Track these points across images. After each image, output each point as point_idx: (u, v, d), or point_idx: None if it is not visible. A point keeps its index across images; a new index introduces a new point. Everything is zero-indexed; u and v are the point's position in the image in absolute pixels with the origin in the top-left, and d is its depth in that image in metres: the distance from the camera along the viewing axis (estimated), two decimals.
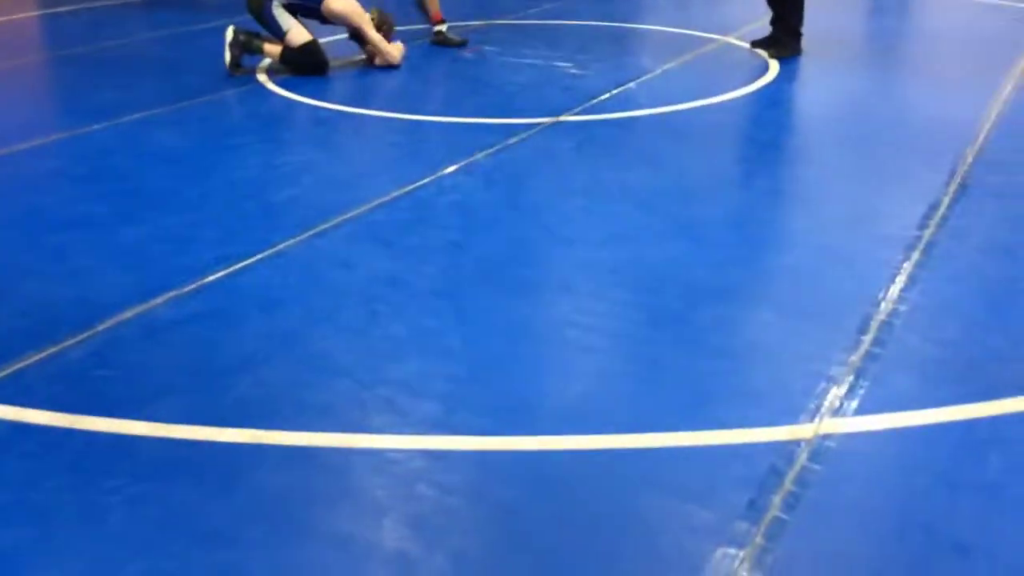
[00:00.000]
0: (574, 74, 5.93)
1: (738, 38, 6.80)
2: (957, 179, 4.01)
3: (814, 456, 2.20)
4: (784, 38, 6.20)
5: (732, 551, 1.89)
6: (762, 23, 6.61)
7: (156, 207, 3.78)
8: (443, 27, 6.75)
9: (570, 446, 2.28)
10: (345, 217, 3.64)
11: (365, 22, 5.92)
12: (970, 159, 4.25)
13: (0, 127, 4.93)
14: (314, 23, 5.92)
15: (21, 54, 7.09)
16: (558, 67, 6.11)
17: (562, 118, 4.94)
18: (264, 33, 5.85)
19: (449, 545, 1.93)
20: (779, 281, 3.21)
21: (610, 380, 2.59)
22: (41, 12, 8.43)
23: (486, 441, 2.30)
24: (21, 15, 8.21)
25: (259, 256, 3.30)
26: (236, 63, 5.79)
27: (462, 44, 6.71)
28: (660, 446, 2.27)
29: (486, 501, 2.08)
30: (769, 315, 2.92)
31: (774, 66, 5.97)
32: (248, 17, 5.95)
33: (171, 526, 1.99)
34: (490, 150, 4.42)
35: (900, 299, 2.96)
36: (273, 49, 5.81)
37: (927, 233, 3.45)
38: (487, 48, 6.71)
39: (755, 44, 6.36)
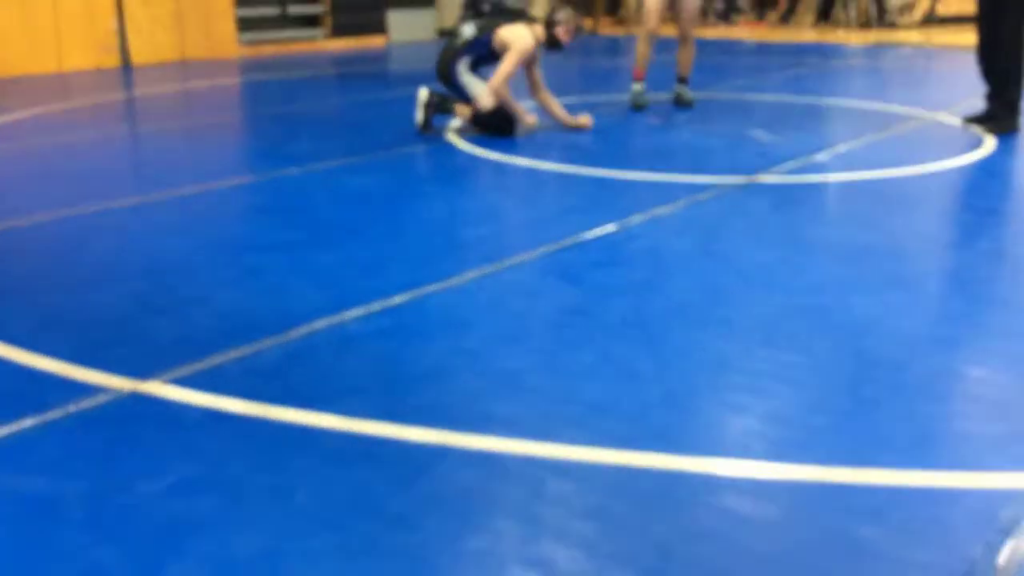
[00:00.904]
0: (767, 141, 5.76)
1: (948, 115, 6.46)
2: None
3: None
4: (1001, 113, 5.81)
5: None
6: (971, 102, 6.26)
7: (349, 238, 3.85)
8: (638, 86, 6.89)
9: (775, 475, 2.07)
10: (532, 255, 3.59)
11: (522, 54, 5.78)
12: None
13: (206, 167, 5.24)
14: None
15: (228, 112, 7.61)
16: (749, 135, 5.96)
17: (756, 178, 4.78)
18: (454, 96, 5.99)
19: (628, 557, 1.76)
20: (1005, 337, 2.89)
21: (818, 413, 2.36)
22: (245, 79, 9.05)
23: (675, 460, 2.12)
24: (227, 80, 8.83)
25: (447, 283, 3.28)
26: (427, 123, 5.94)
27: (641, 107, 6.86)
28: (884, 483, 2.03)
29: (675, 524, 1.89)
30: (997, 366, 2.62)
31: (990, 141, 5.60)
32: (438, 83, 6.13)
33: (356, 507, 1.93)
34: (681, 203, 4.30)
35: None
36: (464, 110, 5.94)
37: None
38: (676, 115, 6.66)
39: (968, 120, 5.98)
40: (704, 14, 13.24)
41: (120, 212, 4.28)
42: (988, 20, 5.67)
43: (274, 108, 7.28)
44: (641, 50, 6.88)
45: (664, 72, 7.62)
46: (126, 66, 9.54)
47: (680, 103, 7.05)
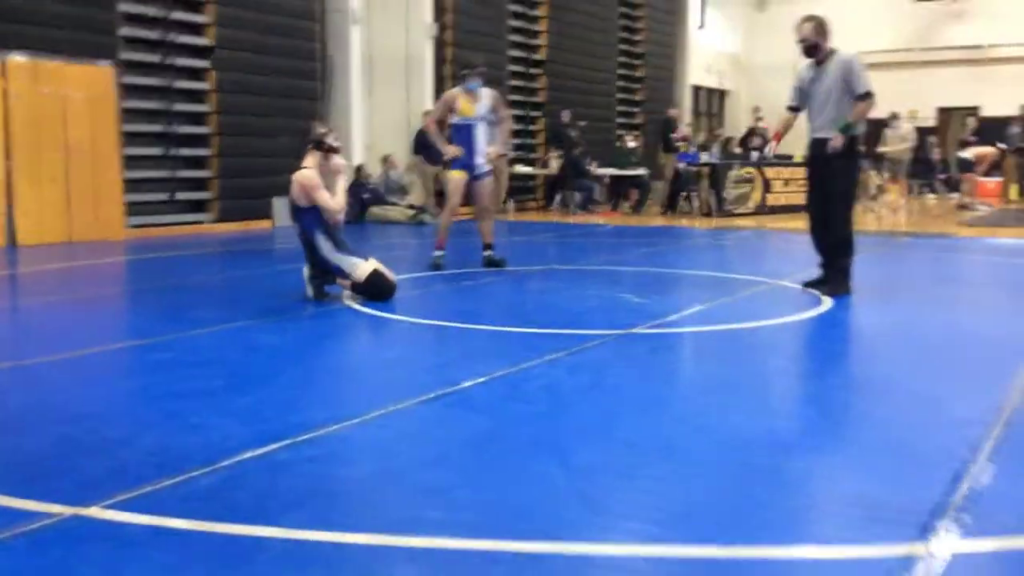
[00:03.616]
0: (637, 302, 6.32)
1: (788, 281, 7.21)
2: (1022, 380, 4.18)
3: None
4: (835, 277, 6.57)
5: None
6: (807, 271, 7.03)
7: (263, 384, 4.05)
8: (439, 252, 7.71)
9: (676, 555, 2.36)
10: (440, 392, 3.87)
11: (316, 187, 6.06)
12: None
13: (111, 331, 5.36)
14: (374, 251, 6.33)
15: (123, 284, 7.72)
16: (621, 297, 6.51)
17: (633, 330, 5.25)
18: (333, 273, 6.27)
19: None
20: (856, 442, 3.32)
21: (714, 508, 2.68)
22: (136, 256, 9.18)
23: (595, 548, 2.38)
24: (111, 259, 8.95)
25: (366, 417, 3.50)
26: (319, 292, 6.22)
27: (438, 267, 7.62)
28: (771, 557, 2.34)
29: None
30: (855, 466, 3.03)
31: (827, 301, 6.29)
32: None
33: None
34: (569, 350, 4.70)
35: (989, 458, 3.06)
36: (344, 282, 6.24)
37: (1003, 416, 3.57)
38: (550, 284, 7.18)
39: (807, 284, 6.71)
40: (498, 197, 14.42)
41: (33, 369, 4.34)
42: (818, 204, 6.69)
43: (170, 280, 7.44)
44: (444, 223, 7.87)
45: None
46: (11, 246, 9.54)
47: (491, 265, 7.81)
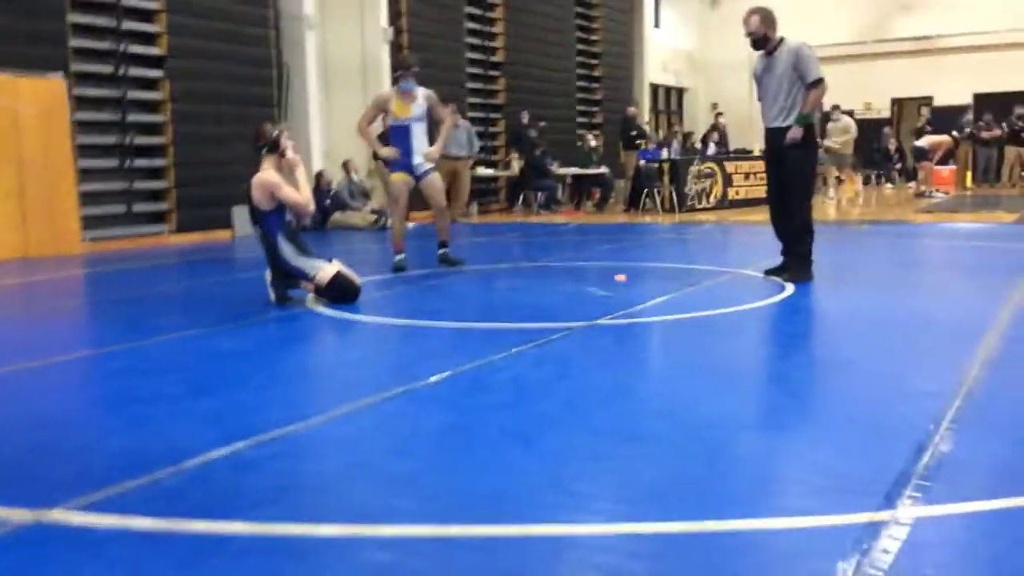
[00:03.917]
0: (602, 295, 6.34)
1: (751, 270, 7.28)
2: (983, 352, 4.25)
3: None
4: (796, 264, 6.65)
5: None
6: (769, 260, 7.09)
7: (226, 387, 4.01)
8: (399, 256, 7.60)
9: (646, 531, 2.37)
10: (405, 388, 3.85)
11: (278, 186, 6.02)
12: (993, 340, 4.50)
13: (72, 341, 5.28)
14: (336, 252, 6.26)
15: (81, 297, 7.60)
16: (585, 291, 6.53)
17: (597, 322, 5.26)
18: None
19: None
20: (832, 422, 3.36)
21: (680, 484, 2.70)
22: (93, 270, 9.05)
23: (566, 528, 2.39)
24: (68, 273, 8.82)
25: (330, 414, 3.48)
26: (282, 297, 6.16)
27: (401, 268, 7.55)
28: (736, 529, 2.36)
29: None
30: (820, 442, 3.06)
31: (790, 287, 6.36)
32: None
33: None
34: (534, 343, 4.70)
35: (950, 428, 3.11)
36: (308, 285, 6.19)
37: (963, 389, 3.63)
38: (515, 281, 7.19)
39: (769, 272, 6.80)
40: (462, 200, 14.45)
41: None
42: (776, 195, 6.80)
43: (129, 292, 7.34)
44: (396, 227, 7.75)
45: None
46: None
47: (446, 263, 7.76)
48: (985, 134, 20.13)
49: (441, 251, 7.81)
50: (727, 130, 19.50)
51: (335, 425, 3.37)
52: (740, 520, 2.42)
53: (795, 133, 6.45)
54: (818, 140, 6.84)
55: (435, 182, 7.72)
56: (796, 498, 2.60)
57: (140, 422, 3.49)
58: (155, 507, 2.58)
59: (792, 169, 6.58)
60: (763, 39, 6.56)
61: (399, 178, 7.61)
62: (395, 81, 7.65)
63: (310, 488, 2.74)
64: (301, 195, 6.13)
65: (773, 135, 6.64)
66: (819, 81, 6.44)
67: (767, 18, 6.55)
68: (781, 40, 6.58)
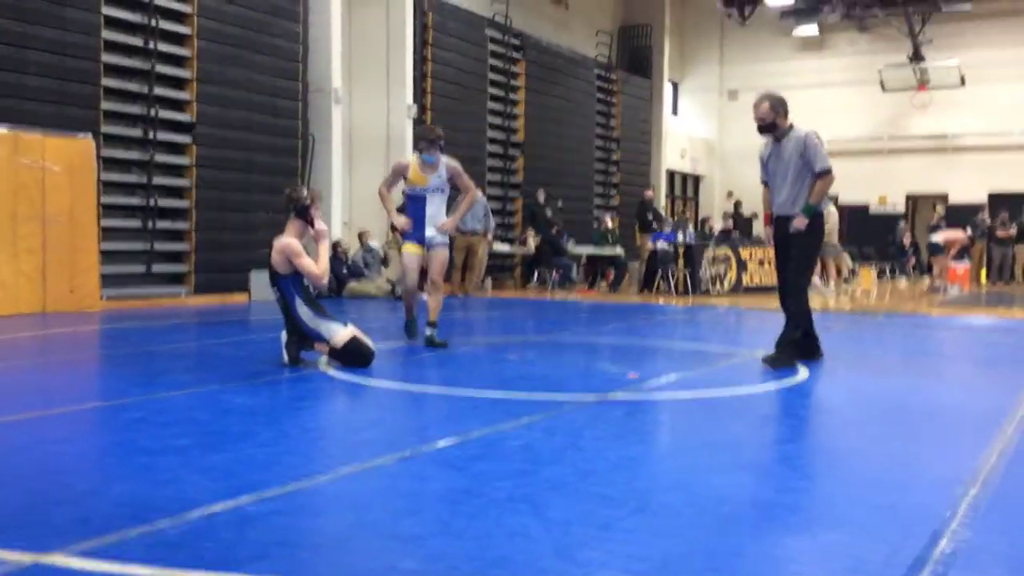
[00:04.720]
0: (613, 370, 6.31)
1: (763, 352, 7.23)
2: (1000, 442, 4.18)
3: None
4: (782, 349, 6.51)
5: None
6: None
7: (237, 442, 3.97)
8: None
9: None
10: (416, 451, 3.82)
11: (298, 253, 6.12)
12: (1010, 431, 4.44)
13: (82, 392, 5.27)
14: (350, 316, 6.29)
15: (96, 350, 7.62)
16: (596, 365, 6.50)
17: (608, 396, 5.23)
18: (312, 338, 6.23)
19: None
20: (847, 503, 3.30)
21: (691, 557, 2.64)
22: (110, 326, 9.10)
23: None
24: (85, 328, 8.85)
25: (338, 473, 3.45)
26: (295, 359, 6.18)
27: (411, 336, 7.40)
28: None
29: None
30: (846, 518, 3.00)
31: (804, 371, 6.31)
32: None
33: None
34: (545, 414, 4.66)
35: (968, 515, 3.05)
36: (322, 347, 6.21)
37: (981, 477, 3.57)
38: (527, 354, 7.17)
39: (765, 360, 6.62)
40: (478, 275, 14.57)
41: (1, 427, 4.26)
42: (784, 277, 6.69)
43: (144, 347, 7.35)
44: (406, 300, 7.53)
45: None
46: None
47: (431, 345, 7.20)
48: (1000, 232, 20.19)
49: (428, 332, 7.30)
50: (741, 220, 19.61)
51: (341, 484, 3.34)
52: None
53: (800, 223, 6.40)
54: (824, 226, 6.77)
55: (440, 256, 7.40)
56: None
57: (146, 472, 3.46)
58: (155, 555, 2.54)
59: (795, 256, 6.51)
60: (771, 126, 6.55)
61: (412, 250, 7.33)
62: (418, 149, 7.36)
63: (312, 545, 2.70)
64: (318, 267, 6.19)
65: (781, 223, 6.58)
66: (827, 171, 6.41)
67: (777, 105, 6.53)
68: (790, 127, 6.58)
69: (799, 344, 6.56)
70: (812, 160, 6.40)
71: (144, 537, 2.70)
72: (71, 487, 3.25)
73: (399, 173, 7.41)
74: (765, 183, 6.84)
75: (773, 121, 6.53)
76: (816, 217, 6.48)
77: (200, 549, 2.62)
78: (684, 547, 2.73)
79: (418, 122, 14.85)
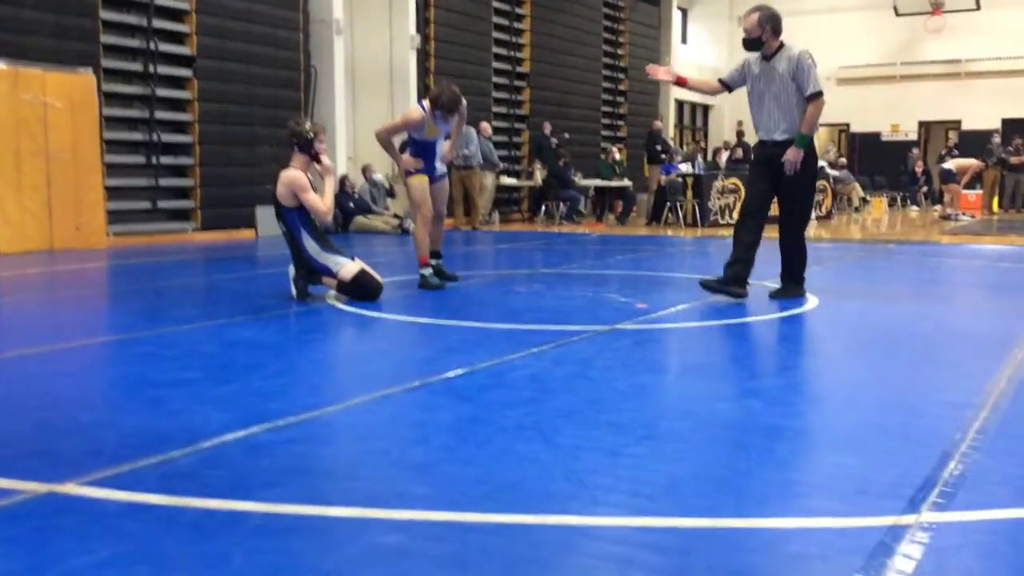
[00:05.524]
0: (622, 300, 6.29)
1: (770, 283, 7.20)
2: (1010, 367, 4.17)
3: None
4: (789, 286, 6.46)
5: None
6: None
7: (245, 374, 3.99)
8: (427, 271, 6.96)
9: (663, 525, 2.32)
10: (424, 381, 3.82)
11: (304, 187, 6.06)
12: (1020, 355, 4.42)
13: (91, 327, 5.29)
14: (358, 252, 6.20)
15: (105, 286, 7.64)
16: (605, 296, 6.49)
17: (617, 326, 5.22)
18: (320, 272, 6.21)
19: None
20: (856, 427, 3.30)
21: (697, 481, 2.65)
22: (117, 262, 9.11)
23: (585, 519, 2.35)
24: (93, 264, 8.86)
25: (347, 403, 3.46)
26: (302, 292, 6.17)
27: (441, 285, 6.87)
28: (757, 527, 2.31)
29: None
30: (855, 442, 3.01)
31: (812, 300, 6.27)
32: None
33: (291, 569, 2.05)
34: (554, 344, 4.66)
35: (978, 437, 3.05)
36: (330, 281, 6.18)
37: (991, 400, 3.56)
38: (536, 286, 7.16)
39: (773, 295, 6.53)
40: (484, 208, 14.53)
41: (10, 360, 4.27)
42: (758, 207, 6.45)
43: (151, 283, 7.36)
44: (420, 235, 6.99)
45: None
46: None
47: (438, 275, 7.07)
48: (1014, 159, 19.95)
49: (433, 261, 7.15)
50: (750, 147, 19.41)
51: (351, 414, 3.35)
52: (759, 519, 2.37)
53: (795, 155, 5.95)
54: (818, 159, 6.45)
55: (444, 188, 7.33)
56: (818, 500, 2.54)
57: (157, 404, 3.48)
58: (168, 485, 2.56)
59: (794, 191, 6.18)
60: (756, 41, 5.99)
61: (420, 180, 7.10)
62: (438, 109, 6.88)
63: (323, 472, 2.72)
64: (323, 203, 6.13)
65: (767, 148, 6.16)
66: (818, 94, 5.91)
67: (765, 20, 5.93)
68: (781, 46, 6.01)
69: (736, 270, 6.25)
70: (803, 82, 5.89)
71: (156, 467, 2.72)
72: (81, 419, 3.27)
73: (411, 127, 7.05)
74: (721, 82, 6.39)
75: (759, 37, 5.96)
76: (810, 145, 6.07)
77: (212, 478, 2.64)
78: (691, 471, 2.74)
79: (422, 53, 14.63)
